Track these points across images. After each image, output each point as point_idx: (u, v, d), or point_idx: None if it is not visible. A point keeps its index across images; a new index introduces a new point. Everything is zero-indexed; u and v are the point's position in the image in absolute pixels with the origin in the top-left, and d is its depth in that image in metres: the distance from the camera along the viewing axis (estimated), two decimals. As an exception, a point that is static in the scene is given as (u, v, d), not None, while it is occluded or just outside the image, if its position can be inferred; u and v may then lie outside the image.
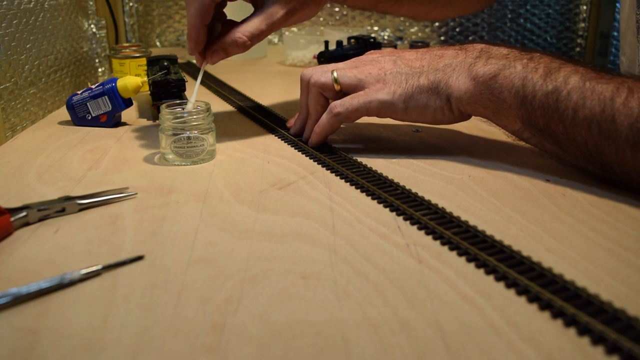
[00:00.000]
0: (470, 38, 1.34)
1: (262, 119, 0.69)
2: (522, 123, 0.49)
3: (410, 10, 0.80)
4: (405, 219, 0.42)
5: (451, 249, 0.37)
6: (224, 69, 1.05)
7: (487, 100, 0.50)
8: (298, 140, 0.59)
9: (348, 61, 0.58)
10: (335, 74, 0.55)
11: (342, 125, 0.63)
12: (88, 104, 0.66)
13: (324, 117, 0.55)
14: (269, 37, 1.17)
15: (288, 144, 0.60)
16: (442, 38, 1.36)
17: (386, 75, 0.54)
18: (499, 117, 0.51)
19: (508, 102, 0.48)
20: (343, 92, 0.56)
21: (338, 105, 0.54)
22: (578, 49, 1.34)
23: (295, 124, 0.62)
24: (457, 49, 0.54)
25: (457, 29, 1.35)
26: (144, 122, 0.70)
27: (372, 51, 0.60)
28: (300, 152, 0.57)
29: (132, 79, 0.65)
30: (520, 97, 0.48)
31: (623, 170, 0.44)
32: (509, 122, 0.50)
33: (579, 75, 0.45)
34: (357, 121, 0.67)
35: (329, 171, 0.52)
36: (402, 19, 1.35)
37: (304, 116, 0.60)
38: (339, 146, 0.58)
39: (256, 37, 0.59)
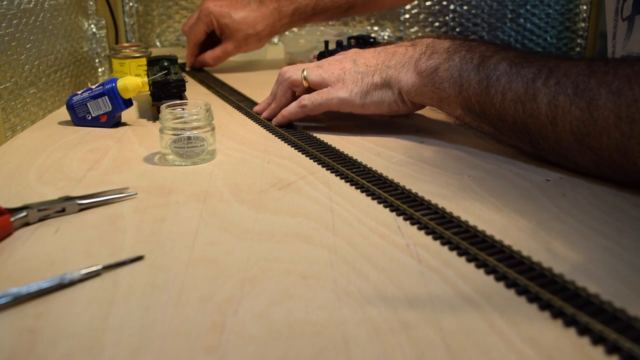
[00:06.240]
0: (470, 37, 1.34)
1: (262, 119, 0.69)
2: (462, 109, 0.54)
3: (366, 10, 1.04)
4: (405, 219, 0.42)
5: (451, 249, 0.37)
6: (224, 69, 1.05)
7: (431, 91, 0.56)
8: (298, 141, 0.60)
9: (318, 62, 0.66)
10: (304, 73, 0.64)
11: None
12: (88, 104, 0.66)
13: (293, 105, 0.64)
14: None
15: (288, 144, 0.60)
16: (442, 38, 1.36)
17: (345, 74, 0.62)
18: (443, 105, 0.57)
19: (448, 92, 0.54)
20: (311, 88, 0.64)
21: (306, 99, 0.63)
22: (578, 49, 1.34)
23: (261, 104, 0.72)
24: (408, 46, 0.60)
25: (457, 29, 1.35)
26: (144, 122, 0.70)
27: (341, 52, 0.67)
28: (300, 152, 0.57)
29: (132, 79, 0.65)
30: (458, 86, 0.53)
31: (548, 145, 0.49)
32: (451, 109, 0.56)
33: (507, 61, 0.50)
34: (358, 121, 0.68)
35: (329, 171, 0.52)
36: (401, 19, 1.35)
37: (270, 101, 0.70)
38: (337, 148, 0.58)
39: (216, 60, 1.00)
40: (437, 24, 1.35)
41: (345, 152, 0.56)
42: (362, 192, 0.47)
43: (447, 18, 1.34)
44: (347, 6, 0.99)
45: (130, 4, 1.30)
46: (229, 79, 0.96)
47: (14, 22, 0.67)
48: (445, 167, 0.53)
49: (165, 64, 0.73)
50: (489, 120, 0.52)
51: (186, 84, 0.69)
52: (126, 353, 0.27)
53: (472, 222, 0.40)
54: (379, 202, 0.45)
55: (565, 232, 0.40)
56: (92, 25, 1.00)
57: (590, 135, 0.44)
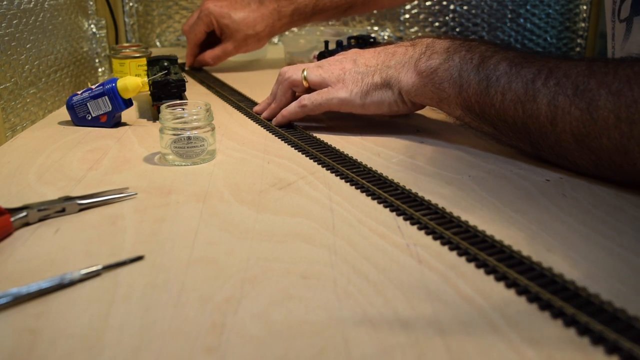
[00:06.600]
0: (470, 37, 1.34)
1: (262, 119, 0.69)
2: (462, 109, 0.54)
3: (365, 9, 1.04)
4: (405, 219, 0.42)
5: (451, 249, 0.37)
6: (224, 69, 1.05)
7: (431, 91, 0.56)
8: (298, 141, 0.60)
9: (318, 62, 0.66)
10: (304, 73, 0.64)
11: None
12: (88, 104, 0.66)
13: (293, 105, 0.64)
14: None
15: (288, 144, 0.60)
16: (442, 38, 1.36)
17: (345, 74, 0.61)
18: (443, 105, 0.57)
19: (448, 92, 0.54)
20: (311, 88, 0.64)
21: (306, 99, 0.63)
22: (578, 49, 1.34)
23: (261, 104, 0.72)
24: (408, 46, 0.60)
25: (457, 29, 1.35)
26: (144, 122, 0.70)
27: (341, 52, 0.67)
28: (300, 152, 0.57)
29: (132, 79, 0.65)
30: (457, 86, 0.53)
31: (548, 146, 0.49)
32: (451, 109, 0.56)
33: (507, 62, 0.50)
34: (358, 121, 0.68)
35: (329, 171, 0.52)
36: (401, 19, 1.35)
37: (270, 101, 0.70)
38: (337, 148, 0.58)
39: (216, 60, 1.01)
40: (437, 24, 1.35)
41: (345, 152, 0.56)
42: (362, 192, 0.47)
43: (447, 18, 1.34)
44: (347, 6, 1.00)
45: (130, 4, 1.31)
46: (229, 79, 0.96)
47: (14, 22, 0.67)
48: (445, 167, 0.53)
49: (165, 64, 0.73)
50: (489, 121, 0.52)
51: (186, 84, 0.69)
52: (126, 353, 0.27)
53: (472, 222, 0.40)
54: (379, 202, 0.45)
55: (565, 232, 0.40)
56: (92, 25, 1.00)
57: (590, 136, 0.44)
